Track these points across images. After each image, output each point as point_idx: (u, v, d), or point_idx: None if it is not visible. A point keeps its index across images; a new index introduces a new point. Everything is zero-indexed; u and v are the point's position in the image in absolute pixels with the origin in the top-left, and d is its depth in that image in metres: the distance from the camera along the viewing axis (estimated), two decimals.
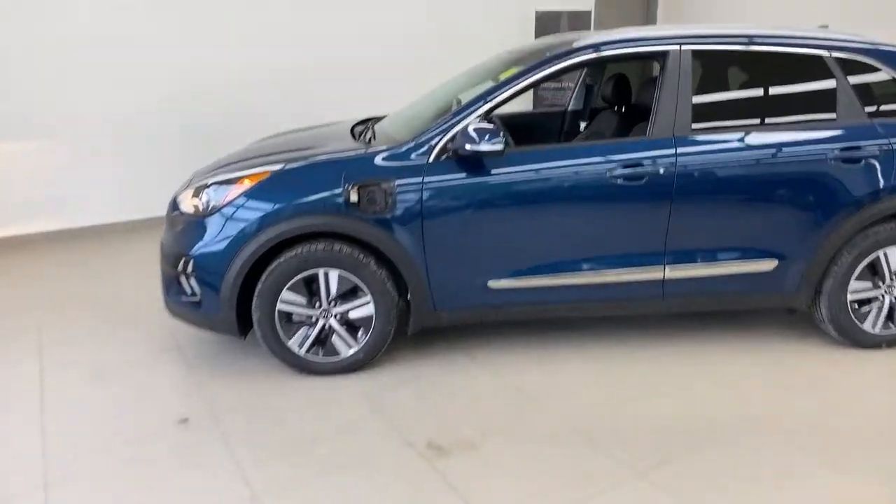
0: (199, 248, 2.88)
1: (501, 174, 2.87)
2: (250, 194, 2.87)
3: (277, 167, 2.91)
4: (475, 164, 2.86)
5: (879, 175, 2.98)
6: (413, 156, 2.87)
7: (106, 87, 5.17)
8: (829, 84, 3.05)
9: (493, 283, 2.97)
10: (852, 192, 2.97)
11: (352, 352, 2.99)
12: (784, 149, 2.98)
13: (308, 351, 2.97)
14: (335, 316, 2.95)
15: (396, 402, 2.82)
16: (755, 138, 2.98)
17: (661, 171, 2.90)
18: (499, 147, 2.75)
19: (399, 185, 2.83)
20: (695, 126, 2.97)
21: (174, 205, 3.08)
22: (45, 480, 2.35)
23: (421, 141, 2.89)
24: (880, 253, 3.06)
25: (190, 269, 2.91)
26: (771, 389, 2.89)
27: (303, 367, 2.99)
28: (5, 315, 3.77)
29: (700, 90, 3.02)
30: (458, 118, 2.88)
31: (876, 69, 3.08)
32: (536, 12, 6.82)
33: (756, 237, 3.03)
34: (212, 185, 2.94)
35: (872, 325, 3.15)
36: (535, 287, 3.00)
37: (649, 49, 3.03)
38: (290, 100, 5.80)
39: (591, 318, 3.44)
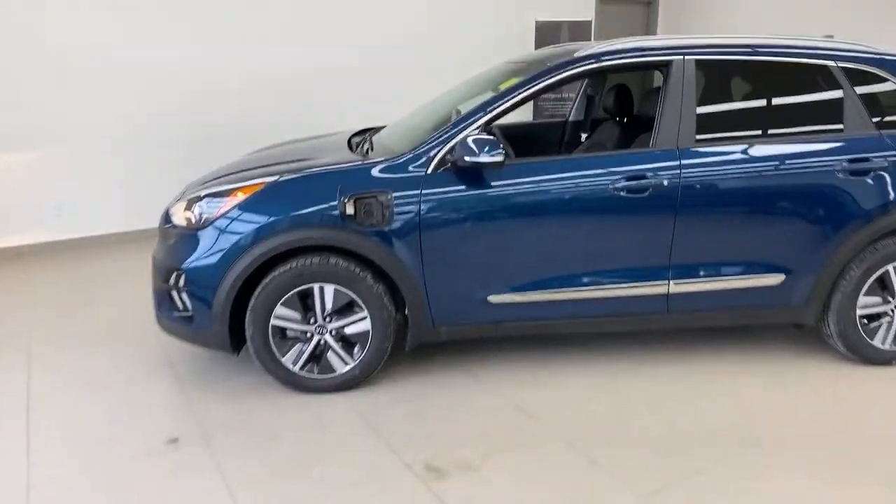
0: (192, 261, 2.81)
1: (501, 186, 2.80)
2: (244, 207, 2.80)
3: (272, 179, 2.84)
4: (474, 176, 2.80)
5: (888, 187, 2.91)
6: (411, 167, 2.80)
7: (104, 97, 5.12)
8: (835, 95, 2.99)
9: (494, 298, 2.90)
10: (860, 204, 2.91)
11: (348, 369, 2.91)
12: (790, 161, 2.91)
13: (303, 368, 2.88)
14: (331, 332, 2.87)
15: (393, 421, 2.74)
16: (761, 150, 2.92)
17: (665, 183, 2.84)
18: (499, 159, 2.69)
19: (396, 198, 2.76)
20: (699, 137, 2.90)
21: (166, 217, 3.01)
22: (28, 501, 2.26)
23: (419, 152, 2.82)
24: (889, 267, 2.99)
25: (182, 283, 2.84)
26: (777, 407, 2.81)
27: (297, 384, 2.91)
28: None
29: (704, 101, 2.96)
30: (457, 129, 2.81)
31: (883, 79, 3.02)
32: (536, 22, 6.79)
33: (762, 251, 2.96)
34: (204, 197, 2.87)
35: (882, 340, 3.08)
36: (537, 302, 2.92)
37: (653, 59, 2.97)
38: (288, 111, 5.77)
39: (594, 334, 3.37)
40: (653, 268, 2.93)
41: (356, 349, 2.90)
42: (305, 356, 2.87)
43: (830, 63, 3.00)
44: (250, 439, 2.62)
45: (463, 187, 2.79)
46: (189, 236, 2.85)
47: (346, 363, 2.90)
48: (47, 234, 5.12)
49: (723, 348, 3.31)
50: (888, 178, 2.91)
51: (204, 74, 5.47)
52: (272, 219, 2.75)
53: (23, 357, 3.32)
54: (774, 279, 2.98)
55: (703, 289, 2.97)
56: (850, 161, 2.90)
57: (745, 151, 2.91)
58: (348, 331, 2.87)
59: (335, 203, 2.73)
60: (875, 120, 2.97)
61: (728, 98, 3.11)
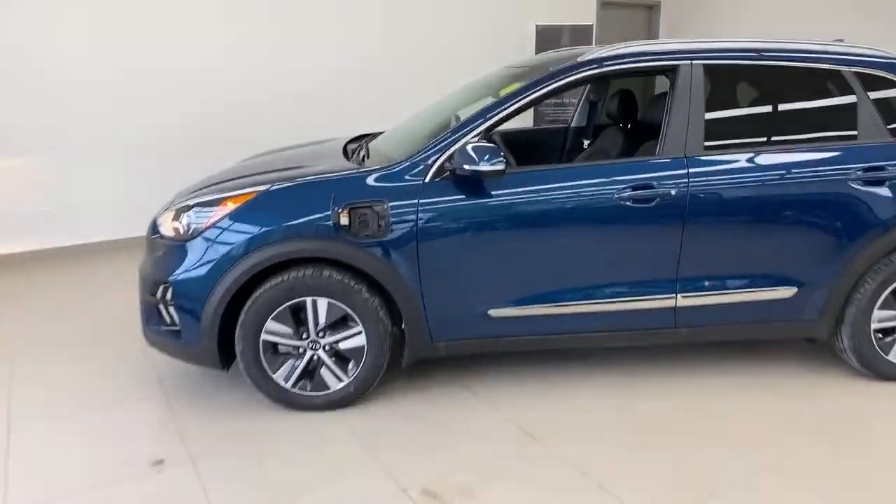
0: (179, 274, 2.69)
1: (502, 196, 2.69)
2: (234, 217, 2.68)
3: (263, 188, 2.73)
4: (474, 185, 2.68)
5: None
6: (408, 176, 2.69)
7: (96, 104, 5.02)
8: (848, 101, 2.89)
9: (494, 312, 2.78)
10: (876, 215, 2.80)
11: (342, 385, 2.79)
12: (802, 169, 2.80)
13: (295, 384, 2.77)
14: (324, 347, 2.75)
15: (389, 441, 2.62)
16: (771, 158, 2.81)
17: (673, 192, 2.72)
18: (499, 167, 2.57)
19: (393, 208, 2.64)
20: (707, 145, 2.80)
21: (154, 227, 2.89)
22: None
23: (416, 160, 2.71)
24: None
25: (169, 296, 2.72)
26: (791, 426, 2.69)
27: (289, 401, 2.79)
28: None
29: (713, 107, 2.85)
30: (456, 136, 2.70)
31: None
32: (537, 27, 6.69)
33: (773, 263, 2.85)
34: (193, 206, 2.76)
35: None
36: (538, 316, 2.81)
37: (660, 64, 2.86)
38: (288, 119, 5.70)
39: (598, 348, 3.25)
40: (660, 280, 2.82)
41: (351, 365, 2.78)
42: (298, 372, 2.75)
43: (843, 68, 2.90)
44: (239, 461, 2.50)
45: (462, 197, 2.68)
46: (177, 248, 2.73)
47: (341, 380, 2.78)
48: (37, 243, 5.01)
49: (732, 363, 3.19)
50: None
51: (201, 83, 5.39)
52: (264, 229, 2.64)
53: (4, 372, 3.20)
54: (786, 292, 2.87)
55: (712, 302, 2.85)
56: (865, 170, 2.80)
57: (755, 160, 2.80)
58: (342, 346, 2.75)
59: (329, 213, 2.62)
60: (890, 127, 2.87)
61: (737, 104, 3.00)
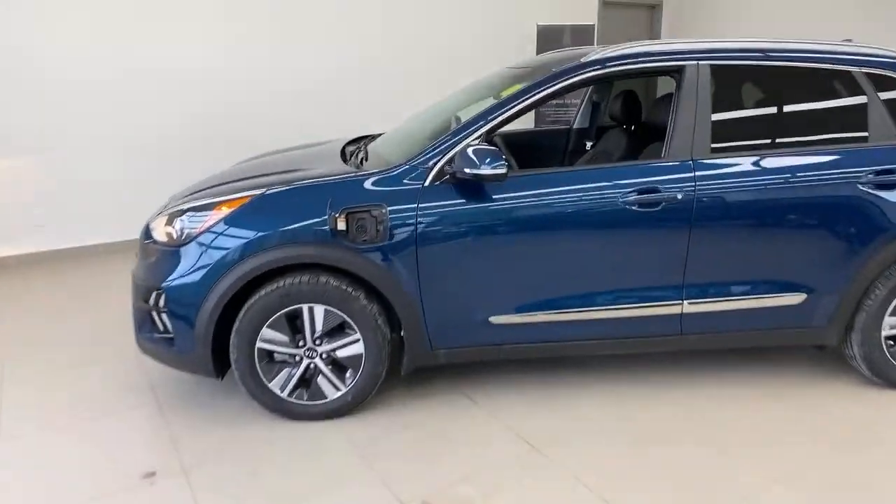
0: (173, 280, 2.61)
1: (504, 200, 2.62)
2: (229, 221, 2.61)
3: (258, 192, 2.65)
4: (475, 189, 2.61)
5: None
6: (406, 180, 2.62)
7: (92, 106, 4.96)
8: (859, 102, 2.82)
9: (496, 319, 2.71)
10: (888, 219, 2.73)
11: (339, 394, 2.72)
12: (812, 172, 2.73)
13: (291, 393, 2.70)
14: (321, 355, 2.68)
15: (388, 451, 2.55)
16: (780, 161, 2.74)
17: (679, 196, 2.65)
18: (501, 171, 2.50)
19: (391, 212, 2.57)
20: (715, 147, 2.72)
21: (146, 232, 2.82)
22: None
23: (415, 163, 2.64)
24: None
25: (162, 303, 2.65)
26: (799, 436, 2.62)
27: (285, 411, 2.72)
28: None
29: (720, 109, 2.78)
30: (456, 138, 2.63)
31: None
32: (538, 27, 6.62)
33: (782, 268, 2.78)
34: (187, 211, 2.69)
35: None
36: (541, 323, 2.74)
37: (666, 64, 2.79)
38: (288, 120, 5.65)
39: (602, 356, 3.18)
40: (666, 286, 2.75)
41: (348, 374, 2.71)
42: (294, 381, 2.68)
43: (853, 68, 2.83)
44: (233, 472, 2.43)
45: (462, 201, 2.61)
46: (170, 253, 2.66)
47: (338, 389, 2.71)
48: (31, 245, 4.94)
49: (738, 371, 3.12)
50: None
51: (200, 83, 5.33)
52: (259, 234, 2.57)
53: None
54: (795, 298, 2.80)
55: (719, 308, 2.78)
56: (877, 173, 2.73)
57: (764, 163, 2.73)
58: (340, 354, 2.68)
59: (326, 218, 2.55)
60: None
61: (745, 105, 2.93)
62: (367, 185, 2.63)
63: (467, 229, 2.62)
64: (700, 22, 7.68)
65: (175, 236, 2.67)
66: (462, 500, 2.26)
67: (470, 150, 2.53)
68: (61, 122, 4.88)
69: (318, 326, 2.64)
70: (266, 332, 2.61)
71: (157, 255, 2.72)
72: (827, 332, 2.87)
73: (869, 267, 2.76)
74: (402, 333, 2.73)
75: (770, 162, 2.73)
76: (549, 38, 6.56)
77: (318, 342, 2.67)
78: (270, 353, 2.66)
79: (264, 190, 2.65)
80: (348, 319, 2.63)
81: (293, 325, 2.64)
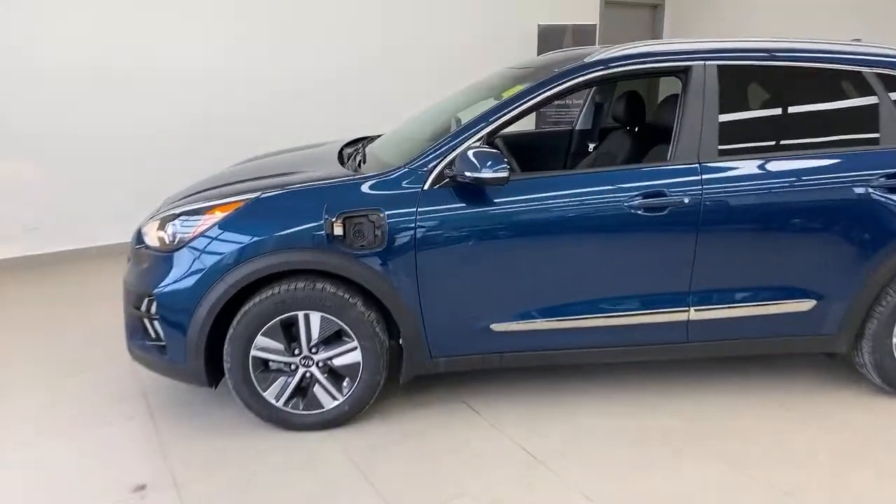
0: (165, 286, 2.54)
1: (505, 204, 2.55)
2: (223, 226, 2.54)
3: (253, 195, 2.58)
4: (475, 192, 2.54)
5: None
6: (405, 183, 2.55)
7: (86, 108, 4.89)
8: (870, 103, 2.74)
9: (497, 327, 2.64)
10: None
11: (336, 404, 2.64)
12: (821, 176, 2.66)
13: (287, 403, 2.62)
14: (317, 364, 2.61)
15: (386, 463, 2.47)
16: (789, 164, 2.66)
17: (686, 200, 2.58)
18: (503, 174, 2.43)
19: (390, 217, 2.50)
20: (722, 150, 2.65)
21: (138, 237, 2.75)
22: None
23: (414, 166, 2.57)
24: None
25: (154, 310, 2.58)
26: (809, 446, 2.54)
27: (280, 421, 2.65)
28: None
29: (727, 110, 2.70)
30: (456, 141, 2.56)
31: None
32: (539, 26, 6.54)
33: (791, 274, 2.70)
34: (179, 215, 2.62)
35: None
36: (544, 331, 2.66)
37: (672, 65, 2.71)
38: (287, 121, 5.60)
39: (603, 363, 3.10)
40: (672, 293, 2.67)
41: (345, 383, 2.64)
42: (290, 390, 2.61)
43: (864, 69, 2.75)
44: (226, 485, 2.36)
45: (463, 205, 2.54)
46: (162, 258, 2.59)
47: (335, 398, 2.64)
48: (24, 248, 4.87)
49: (745, 379, 3.04)
50: None
51: (200, 83, 5.27)
52: (253, 239, 2.49)
53: None
54: (804, 305, 2.73)
55: (726, 315, 2.71)
56: (888, 176, 2.65)
57: (772, 166, 2.65)
58: (337, 362, 2.61)
59: (322, 222, 2.48)
60: None
61: (753, 107, 2.85)
62: (365, 188, 2.55)
63: (468, 234, 2.54)
64: (702, 22, 7.61)
65: (167, 241, 2.60)
66: None
67: (471, 153, 2.46)
68: (59, 123, 4.81)
69: (315, 334, 2.57)
70: (261, 339, 2.53)
71: (149, 260, 2.65)
72: (837, 339, 2.80)
73: (880, 272, 2.69)
74: (400, 341, 2.66)
75: (779, 165, 2.66)
76: (550, 38, 6.49)
77: (314, 350, 2.59)
78: (265, 362, 2.59)
79: (259, 194, 2.58)
80: (345, 327, 2.56)
81: (289, 332, 2.57)
